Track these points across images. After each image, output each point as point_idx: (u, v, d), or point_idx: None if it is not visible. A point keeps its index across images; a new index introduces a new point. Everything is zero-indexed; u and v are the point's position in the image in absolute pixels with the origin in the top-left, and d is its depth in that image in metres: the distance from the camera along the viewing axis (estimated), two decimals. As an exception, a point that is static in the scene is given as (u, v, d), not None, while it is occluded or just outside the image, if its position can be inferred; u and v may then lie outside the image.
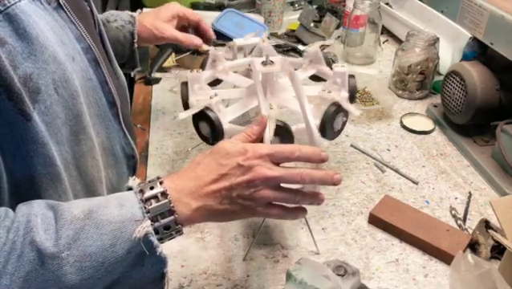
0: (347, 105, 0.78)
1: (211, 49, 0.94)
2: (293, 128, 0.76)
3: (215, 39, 1.06)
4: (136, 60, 0.99)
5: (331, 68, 0.88)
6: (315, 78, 0.96)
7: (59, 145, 0.58)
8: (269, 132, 0.68)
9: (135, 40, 0.96)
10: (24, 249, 0.48)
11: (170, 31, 0.99)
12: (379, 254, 0.80)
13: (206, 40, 1.03)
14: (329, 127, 0.78)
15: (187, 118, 0.79)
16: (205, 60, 0.94)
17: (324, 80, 0.93)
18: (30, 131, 0.53)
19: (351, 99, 0.84)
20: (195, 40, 1.00)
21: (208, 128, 0.79)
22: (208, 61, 0.93)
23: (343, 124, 0.82)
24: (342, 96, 0.79)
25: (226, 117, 0.83)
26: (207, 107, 0.78)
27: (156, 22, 0.99)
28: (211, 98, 0.79)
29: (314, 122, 0.75)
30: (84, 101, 0.62)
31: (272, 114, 0.70)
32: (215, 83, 0.97)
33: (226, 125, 0.80)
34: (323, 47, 1.47)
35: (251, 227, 0.85)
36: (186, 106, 0.83)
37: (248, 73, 0.98)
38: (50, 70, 0.55)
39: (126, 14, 0.98)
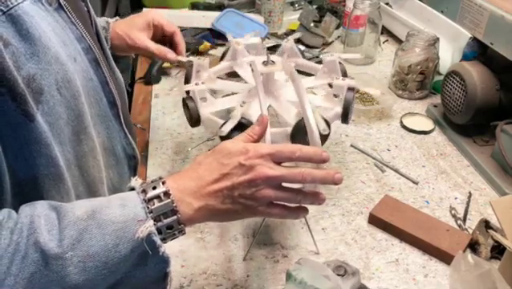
0: (366, 89, 0.86)
1: (194, 60, 0.91)
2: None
3: (188, 58, 0.98)
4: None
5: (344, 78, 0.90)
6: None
7: (62, 146, 0.58)
8: (269, 132, 0.68)
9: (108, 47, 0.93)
10: (28, 250, 0.48)
11: (143, 41, 0.93)
12: (379, 254, 0.80)
13: (176, 53, 0.98)
14: (350, 111, 0.84)
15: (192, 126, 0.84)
16: (188, 72, 0.91)
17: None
18: (34, 131, 0.53)
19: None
20: (168, 54, 0.95)
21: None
22: (192, 72, 0.91)
23: (353, 109, 0.88)
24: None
25: (210, 107, 0.86)
26: (242, 117, 0.79)
27: (130, 30, 0.94)
28: (241, 106, 0.81)
29: (335, 110, 0.84)
30: (85, 101, 0.62)
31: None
32: None
33: (205, 115, 0.84)
34: (323, 47, 1.48)
35: (251, 227, 0.85)
36: (195, 121, 0.85)
37: (233, 74, 1.01)
38: (52, 70, 0.55)
39: (102, 20, 0.94)
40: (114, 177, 0.73)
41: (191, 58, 0.93)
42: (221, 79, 0.99)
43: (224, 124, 0.78)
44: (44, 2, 0.57)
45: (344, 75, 0.92)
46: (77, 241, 0.50)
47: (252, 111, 0.81)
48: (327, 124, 0.78)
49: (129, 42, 0.93)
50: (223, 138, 0.78)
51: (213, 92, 1.05)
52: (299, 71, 0.96)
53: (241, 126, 0.78)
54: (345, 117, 0.85)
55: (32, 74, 0.52)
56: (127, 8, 1.93)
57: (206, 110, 0.85)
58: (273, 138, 0.69)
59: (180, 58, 0.97)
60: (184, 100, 0.85)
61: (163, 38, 0.99)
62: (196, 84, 0.86)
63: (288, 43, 1.00)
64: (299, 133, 0.76)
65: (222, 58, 1.02)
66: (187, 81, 0.91)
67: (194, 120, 0.84)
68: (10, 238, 0.49)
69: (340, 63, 0.92)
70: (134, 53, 1.02)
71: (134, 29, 0.94)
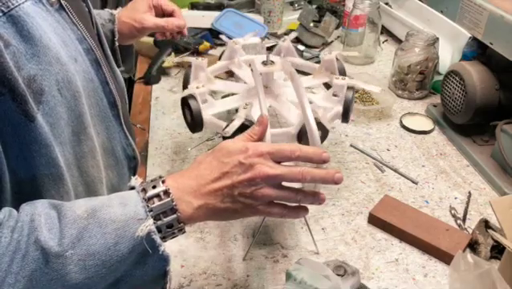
0: (367, 86, 0.87)
1: (192, 60, 0.93)
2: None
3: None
4: (118, 59, 0.98)
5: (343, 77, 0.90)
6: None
7: (62, 146, 0.58)
8: (269, 132, 0.68)
9: (115, 38, 0.95)
10: (28, 248, 0.49)
11: (150, 20, 0.98)
12: (379, 253, 0.80)
13: (179, 32, 1.03)
14: (350, 110, 0.85)
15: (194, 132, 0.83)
16: (187, 73, 0.92)
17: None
18: (34, 132, 0.53)
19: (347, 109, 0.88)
20: (176, 22, 1.00)
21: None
22: (191, 72, 0.92)
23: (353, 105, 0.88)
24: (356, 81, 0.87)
25: (210, 109, 0.85)
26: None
27: (135, 14, 0.98)
28: (245, 108, 0.81)
29: (335, 109, 0.84)
30: (86, 102, 0.62)
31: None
32: None
33: (207, 116, 0.83)
34: (322, 47, 1.48)
35: (251, 227, 0.85)
36: (198, 123, 0.85)
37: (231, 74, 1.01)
38: (53, 71, 0.55)
39: (106, 13, 0.97)
40: (113, 177, 0.73)
41: (189, 58, 0.94)
42: (221, 79, 0.99)
43: (228, 125, 0.78)
44: (45, 2, 0.57)
45: (343, 73, 0.92)
46: (77, 239, 0.50)
47: (253, 111, 0.81)
48: (322, 126, 0.77)
49: (137, 25, 0.97)
50: (225, 139, 0.79)
51: (213, 93, 1.05)
52: (297, 71, 0.96)
53: (244, 127, 0.78)
54: (345, 116, 0.86)
55: (33, 74, 0.52)
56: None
57: (207, 111, 0.85)
58: (275, 139, 0.69)
59: (178, 59, 0.99)
60: (184, 100, 0.84)
61: (162, 17, 1.03)
62: (197, 88, 0.85)
63: (285, 43, 1.00)
64: (306, 135, 0.76)
65: (220, 57, 1.02)
66: (186, 82, 0.91)
67: (196, 121, 0.82)
68: (11, 236, 0.49)
69: (338, 59, 0.93)
70: (142, 36, 1.05)
71: (138, 13, 0.98)
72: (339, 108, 0.85)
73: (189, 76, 0.91)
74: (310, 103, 0.81)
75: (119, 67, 0.99)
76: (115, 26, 0.95)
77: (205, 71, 0.93)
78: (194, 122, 0.83)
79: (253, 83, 0.92)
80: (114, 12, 0.98)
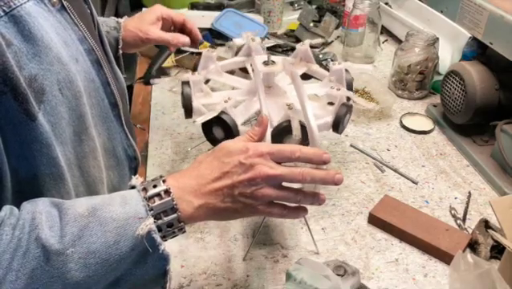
0: (360, 100, 0.82)
1: (203, 51, 0.94)
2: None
3: (202, 40, 1.06)
4: (120, 67, 0.97)
5: (323, 66, 0.88)
6: (304, 76, 0.97)
7: (63, 146, 0.58)
8: (270, 132, 0.68)
9: (119, 46, 0.95)
10: (29, 246, 0.49)
11: (155, 32, 0.98)
12: (379, 253, 0.80)
13: (193, 40, 1.03)
14: (342, 122, 0.81)
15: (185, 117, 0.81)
16: (197, 62, 0.94)
17: (313, 78, 0.96)
18: (35, 131, 0.53)
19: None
20: (181, 38, 1.00)
21: (222, 132, 0.80)
22: (200, 62, 0.93)
23: (349, 118, 0.85)
24: (350, 93, 0.83)
25: (204, 99, 0.85)
26: (223, 112, 0.79)
27: (142, 25, 0.98)
28: (225, 102, 0.80)
29: (325, 119, 0.81)
30: (87, 102, 0.62)
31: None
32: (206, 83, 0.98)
33: (197, 105, 0.83)
34: (322, 47, 1.48)
35: (251, 227, 0.85)
36: (187, 109, 0.84)
37: (237, 72, 1.00)
38: (54, 71, 0.55)
39: (112, 21, 0.98)
40: (114, 177, 0.73)
41: (202, 50, 0.96)
42: (233, 74, 0.99)
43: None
44: (47, 2, 0.57)
45: (350, 87, 0.89)
46: (78, 237, 0.51)
47: (240, 109, 0.81)
48: (304, 128, 0.75)
49: (142, 36, 0.97)
50: (207, 135, 0.80)
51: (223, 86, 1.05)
52: (309, 77, 0.96)
53: (222, 122, 0.78)
54: (336, 127, 0.82)
55: (34, 74, 0.53)
56: (126, 8, 1.92)
57: (200, 100, 0.85)
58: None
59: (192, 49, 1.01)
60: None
61: (171, 30, 1.03)
62: (192, 75, 0.86)
63: (303, 47, 0.97)
64: (280, 135, 0.76)
65: (237, 53, 1.01)
66: (195, 69, 0.93)
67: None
68: (12, 233, 0.49)
69: (347, 70, 0.90)
70: (146, 46, 1.05)
71: (145, 23, 0.98)
72: (330, 119, 0.82)
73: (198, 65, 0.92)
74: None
75: (121, 74, 1.00)
76: (120, 34, 0.96)
77: (215, 64, 0.93)
78: (185, 107, 0.84)
79: (237, 86, 0.92)
80: (120, 20, 0.98)
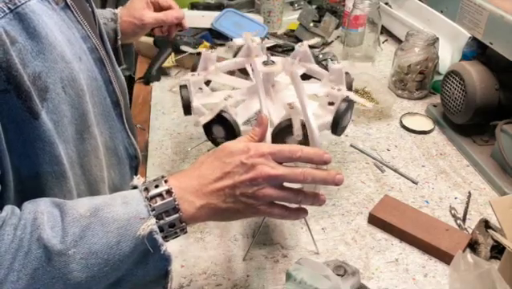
0: (359, 100, 0.82)
1: (203, 51, 0.95)
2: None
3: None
4: (120, 58, 0.99)
5: (323, 66, 0.88)
6: (304, 76, 0.97)
7: (65, 144, 0.58)
8: (270, 132, 0.68)
9: (118, 37, 0.97)
10: (31, 246, 0.49)
11: (150, 16, 1.00)
12: (379, 253, 0.80)
13: (179, 25, 1.06)
14: (340, 123, 0.80)
15: (186, 117, 0.81)
16: (196, 62, 0.95)
17: (312, 78, 0.96)
18: (38, 129, 0.53)
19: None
20: (175, 13, 1.02)
21: (223, 131, 0.79)
22: (200, 63, 0.93)
23: (350, 119, 0.84)
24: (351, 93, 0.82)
25: (203, 98, 0.86)
26: (223, 110, 0.78)
27: (135, 12, 1.00)
28: (226, 100, 0.79)
29: (325, 119, 0.80)
30: (89, 100, 0.62)
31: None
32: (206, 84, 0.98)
33: (197, 105, 0.83)
34: (322, 47, 1.48)
35: (251, 227, 0.85)
36: (187, 109, 0.84)
37: (237, 73, 1.00)
38: (58, 69, 0.55)
39: (108, 12, 0.99)
40: (115, 176, 0.73)
41: (200, 50, 0.97)
42: (231, 74, 0.99)
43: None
44: (51, 0, 0.58)
45: (350, 87, 0.88)
46: (80, 238, 0.50)
47: (240, 108, 0.80)
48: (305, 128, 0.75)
49: (138, 22, 1.00)
50: (208, 134, 0.80)
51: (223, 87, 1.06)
52: (308, 77, 0.96)
53: (222, 120, 0.78)
54: (335, 128, 0.81)
55: (38, 72, 0.53)
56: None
57: (199, 100, 0.85)
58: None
59: (190, 50, 1.04)
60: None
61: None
62: (192, 76, 0.87)
63: (301, 48, 0.97)
64: (281, 134, 0.76)
65: (237, 53, 1.01)
66: (194, 70, 0.93)
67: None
68: (14, 233, 0.49)
69: (347, 73, 0.90)
70: (144, 33, 1.07)
71: (137, 10, 1.01)
72: (329, 119, 0.81)
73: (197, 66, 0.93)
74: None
75: (121, 65, 1.00)
76: (118, 24, 0.97)
77: (215, 64, 0.93)
78: (184, 107, 0.85)
79: (236, 86, 0.92)
80: (116, 11, 0.99)
